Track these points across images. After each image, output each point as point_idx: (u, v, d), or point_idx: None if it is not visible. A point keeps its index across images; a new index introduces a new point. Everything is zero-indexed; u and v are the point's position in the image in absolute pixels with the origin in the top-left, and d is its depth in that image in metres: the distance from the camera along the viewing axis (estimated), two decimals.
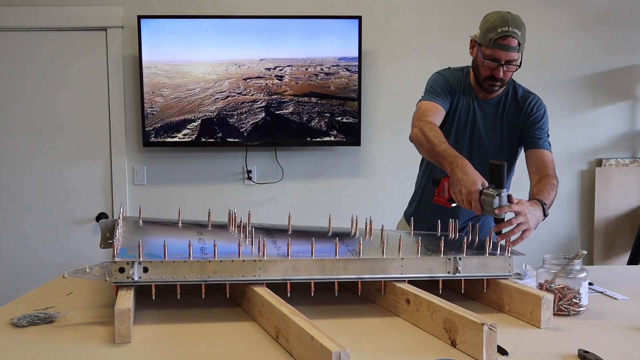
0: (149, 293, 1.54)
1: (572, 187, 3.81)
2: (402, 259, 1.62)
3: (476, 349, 1.28)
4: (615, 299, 1.79)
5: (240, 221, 1.96)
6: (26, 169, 3.66)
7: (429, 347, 1.37)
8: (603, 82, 3.77)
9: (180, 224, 2.02)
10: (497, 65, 2.03)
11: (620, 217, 3.75)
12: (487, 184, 1.76)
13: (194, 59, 3.53)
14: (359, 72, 3.57)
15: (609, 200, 3.74)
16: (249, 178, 3.69)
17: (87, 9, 3.59)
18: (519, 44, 2.02)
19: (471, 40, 2.14)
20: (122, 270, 1.49)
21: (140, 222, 2.01)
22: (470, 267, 1.66)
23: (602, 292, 1.85)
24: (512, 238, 1.77)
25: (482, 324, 1.26)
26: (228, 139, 3.58)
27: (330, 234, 1.97)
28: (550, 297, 1.50)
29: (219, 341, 1.41)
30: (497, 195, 1.71)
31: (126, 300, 1.43)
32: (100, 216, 3.66)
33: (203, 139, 3.58)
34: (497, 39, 1.99)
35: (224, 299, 1.62)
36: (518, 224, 1.77)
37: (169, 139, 3.57)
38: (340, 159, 3.74)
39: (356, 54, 3.56)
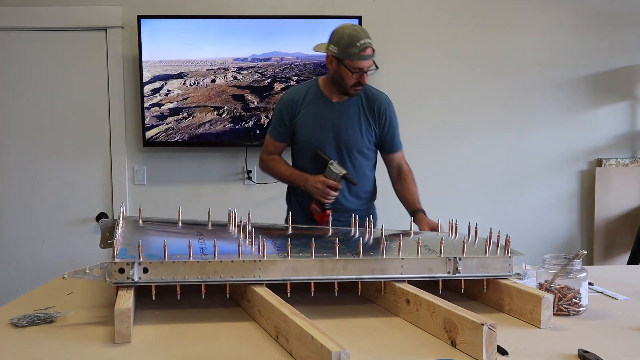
0: (149, 293, 1.54)
1: (572, 187, 3.81)
2: (402, 259, 1.62)
3: (476, 349, 1.28)
4: (615, 299, 1.79)
5: (240, 221, 1.97)
6: (26, 169, 3.66)
7: (429, 347, 1.37)
8: (603, 82, 3.77)
9: (180, 224, 2.03)
10: (364, 72, 2.32)
11: (620, 217, 3.75)
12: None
13: (194, 59, 3.53)
14: None
15: (609, 200, 3.74)
16: (249, 178, 3.69)
17: (87, 9, 3.59)
18: (373, 51, 2.31)
19: (328, 56, 2.37)
20: (122, 270, 1.49)
21: (140, 222, 2.01)
22: (470, 267, 1.66)
23: (602, 292, 1.85)
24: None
25: (482, 324, 1.26)
26: (228, 139, 3.58)
27: (329, 234, 1.97)
28: (550, 297, 1.50)
29: (219, 341, 1.41)
30: (330, 164, 2.36)
31: (126, 300, 1.43)
32: (100, 216, 3.66)
33: (203, 139, 3.58)
34: (359, 51, 2.27)
35: (224, 299, 1.62)
36: None
37: (169, 139, 3.57)
38: None
39: None
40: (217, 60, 3.54)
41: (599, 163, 3.77)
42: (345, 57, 2.28)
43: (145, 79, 3.51)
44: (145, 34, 3.49)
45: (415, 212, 2.36)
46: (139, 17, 3.47)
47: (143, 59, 3.50)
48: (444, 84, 3.73)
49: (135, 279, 1.50)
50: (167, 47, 3.52)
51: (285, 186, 2.66)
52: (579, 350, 1.31)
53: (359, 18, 3.53)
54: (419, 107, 3.73)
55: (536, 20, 3.74)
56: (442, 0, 3.71)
